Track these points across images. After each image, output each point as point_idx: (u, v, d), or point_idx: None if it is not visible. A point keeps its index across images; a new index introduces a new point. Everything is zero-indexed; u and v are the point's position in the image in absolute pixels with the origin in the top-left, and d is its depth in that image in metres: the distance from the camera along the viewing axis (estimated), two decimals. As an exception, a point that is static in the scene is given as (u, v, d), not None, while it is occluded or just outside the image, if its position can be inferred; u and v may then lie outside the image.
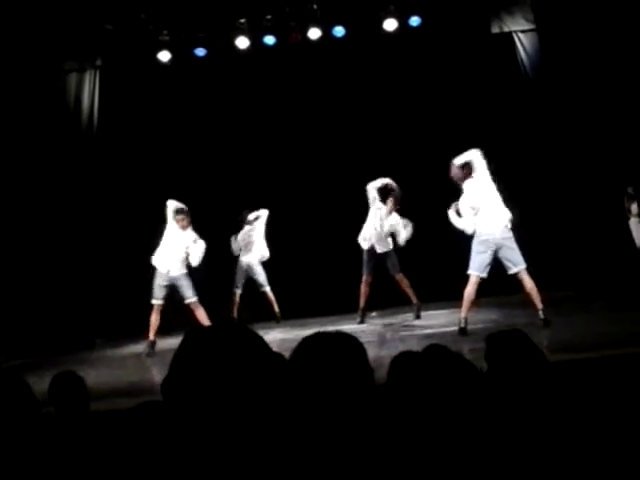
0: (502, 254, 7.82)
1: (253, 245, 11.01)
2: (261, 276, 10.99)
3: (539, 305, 7.69)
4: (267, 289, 11.01)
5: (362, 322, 9.83)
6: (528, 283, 7.77)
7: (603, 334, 6.67)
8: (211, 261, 10.78)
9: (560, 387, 2.51)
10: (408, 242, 10.12)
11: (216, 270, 10.94)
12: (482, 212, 7.85)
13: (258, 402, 1.40)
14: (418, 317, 9.71)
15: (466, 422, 1.83)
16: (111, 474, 2.04)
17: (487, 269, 7.89)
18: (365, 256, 9.85)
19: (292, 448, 1.59)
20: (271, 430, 1.43)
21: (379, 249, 9.77)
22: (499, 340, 2.63)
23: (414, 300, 9.79)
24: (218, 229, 11.40)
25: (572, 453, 2.14)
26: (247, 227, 11.03)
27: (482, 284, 8.07)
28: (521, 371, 2.48)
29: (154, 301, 9.37)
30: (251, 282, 11.07)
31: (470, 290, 7.91)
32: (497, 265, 7.95)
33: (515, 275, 7.84)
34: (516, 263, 7.78)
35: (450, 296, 9.16)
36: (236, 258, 11.03)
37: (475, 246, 7.89)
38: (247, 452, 1.38)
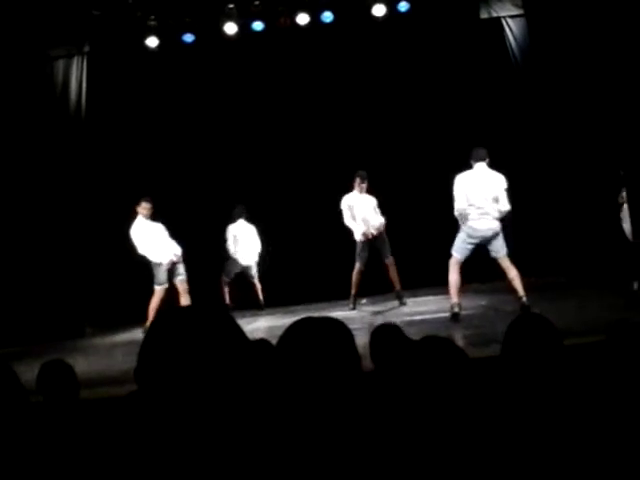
0: (488, 244, 7.89)
1: (248, 241, 11.02)
2: (254, 271, 11.06)
3: (521, 292, 7.75)
4: (256, 280, 11.08)
5: (354, 309, 9.85)
6: (511, 271, 7.86)
7: (590, 320, 6.70)
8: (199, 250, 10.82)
9: (571, 373, 2.53)
10: (397, 228, 10.16)
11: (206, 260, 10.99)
12: (475, 207, 7.83)
13: (229, 383, 1.39)
14: (403, 304, 9.74)
15: (456, 409, 1.84)
16: (99, 463, 2.04)
17: (467, 256, 7.97)
18: (359, 246, 9.81)
19: (278, 434, 1.59)
20: (250, 415, 1.43)
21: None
22: (521, 324, 2.63)
23: (397, 286, 9.81)
24: (207, 216, 11.42)
25: (568, 441, 2.15)
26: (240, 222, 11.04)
27: (471, 270, 8.10)
28: (538, 356, 2.49)
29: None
30: (241, 274, 11.12)
31: (453, 274, 7.94)
32: (483, 251, 8.02)
33: (497, 262, 7.92)
34: (498, 250, 7.87)
35: (439, 282, 9.19)
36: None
37: (463, 234, 7.93)
38: (225, 439, 1.38)
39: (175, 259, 9.49)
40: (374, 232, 9.64)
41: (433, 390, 1.85)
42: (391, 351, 2.48)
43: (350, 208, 9.72)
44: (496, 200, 7.84)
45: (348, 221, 9.72)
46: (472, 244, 7.92)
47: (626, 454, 2.11)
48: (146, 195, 9.66)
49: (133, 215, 9.51)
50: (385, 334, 2.62)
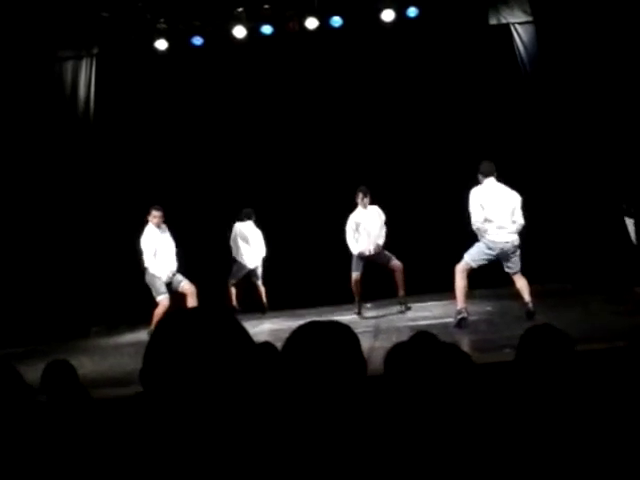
0: (505, 260, 7.89)
1: (254, 243, 11.03)
2: (259, 272, 11.06)
3: (527, 298, 7.76)
4: (260, 282, 11.07)
5: (359, 313, 9.85)
6: (520, 281, 7.90)
7: (597, 327, 6.68)
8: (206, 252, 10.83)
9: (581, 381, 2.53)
10: (403, 234, 10.16)
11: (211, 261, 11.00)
12: (492, 222, 7.83)
13: (234, 385, 1.39)
14: (408, 309, 9.75)
15: (461, 413, 1.84)
16: (102, 463, 2.04)
17: (481, 266, 7.95)
18: (354, 260, 9.81)
19: (283, 437, 1.59)
20: (255, 417, 1.43)
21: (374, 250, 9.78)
22: (534, 335, 2.64)
23: (401, 292, 9.80)
24: (214, 219, 11.42)
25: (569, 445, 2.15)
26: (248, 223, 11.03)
27: (476, 276, 8.09)
28: (552, 367, 2.49)
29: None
30: (246, 276, 11.12)
31: (461, 279, 7.91)
32: (492, 263, 8.02)
33: (509, 273, 7.96)
34: (514, 267, 7.90)
35: (444, 288, 9.19)
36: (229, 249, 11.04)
37: (482, 245, 7.91)
38: (230, 442, 1.38)
39: (170, 275, 9.42)
40: (372, 251, 9.68)
41: (438, 395, 1.84)
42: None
43: (357, 225, 9.77)
44: (512, 214, 7.86)
45: (348, 239, 9.79)
46: (490, 256, 7.90)
47: (634, 458, 2.10)
48: (155, 202, 9.56)
49: (144, 224, 9.44)
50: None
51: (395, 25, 10.96)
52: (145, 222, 9.38)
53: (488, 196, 7.88)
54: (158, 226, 9.40)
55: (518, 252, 7.89)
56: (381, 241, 9.78)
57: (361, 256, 9.72)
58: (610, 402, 2.42)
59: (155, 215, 9.35)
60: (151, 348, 1.42)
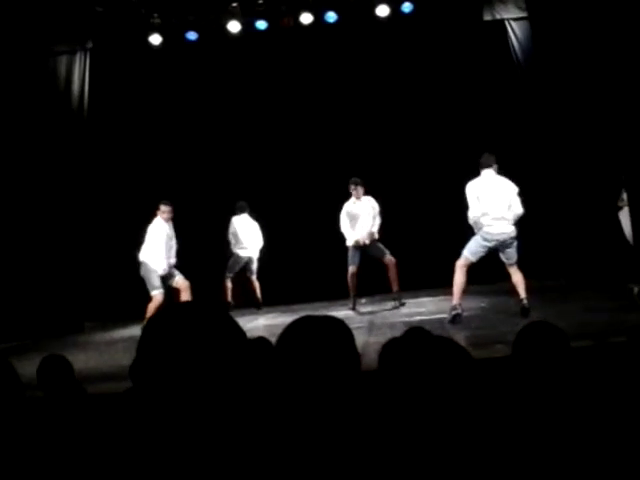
0: (501, 251, 7.91)
1: (251, 235, 11.02)
2: (255, 265, 11.06)
3: (523, 294, 7.77)
4: (254, 277, 11.06)
5: (354, 309, 9.86)
6: (516, 275, 7.91)
7: (590, 323, 6.69)
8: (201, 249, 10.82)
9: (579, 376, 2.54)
10: (399, 230, 10.17)
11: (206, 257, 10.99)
12: (488, 214, 7.84)
13: (226, 381, 1.39)
14: (402, 304, 9.76)
15: (457, 408, 1.84)
16: (94, 458, 2.04)
17: (480, 258, 7.97)
18: (350, 251, 9.87)
19: (276, 433, 1.59)
20: (248, 413, 1.42)
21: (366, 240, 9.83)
22: (531, 331, 2.65)
23: (395, 288, 9.81)
24: (208, 215, 11.41)
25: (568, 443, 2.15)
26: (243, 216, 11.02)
27: (472, 272, 8.09)
28: (546, 360, 2.50)
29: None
30: (242, 270, 11.11)
31: (460, 275, 7.93)
32: (489, 254, 8.03)
33: (505, 266, 7.96)
34: (510, 258, 7.92)
35: (439, 284, 9.21)
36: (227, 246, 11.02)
37: (479, 237, 7.92)
38: (222, 438, 1.37)
39: (167, 269, 9.39)
40: (367, 241, 9.72)
41: (433, 390, 1.84)
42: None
43: (348, 215, 9.86)
44: (509, 205, 7.87)
45: (344, 228, 9.89)
46: (487, 247, 7.92)
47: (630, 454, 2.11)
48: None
49: (152, 217, 9.40)
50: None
51: (390, 20, 10.97)
52: (153, 216, 9.35)
53: (484, 188, 7.90)
54: (167, 221, 9.36)
55: (515, 244, 7.90)
56: (375, 229, 9.82)
57: (356, 246, 9.76)
58: (604, 398, 2.43)
59: (164, 210, 9.31)
60: (142, 343, 1.42)
